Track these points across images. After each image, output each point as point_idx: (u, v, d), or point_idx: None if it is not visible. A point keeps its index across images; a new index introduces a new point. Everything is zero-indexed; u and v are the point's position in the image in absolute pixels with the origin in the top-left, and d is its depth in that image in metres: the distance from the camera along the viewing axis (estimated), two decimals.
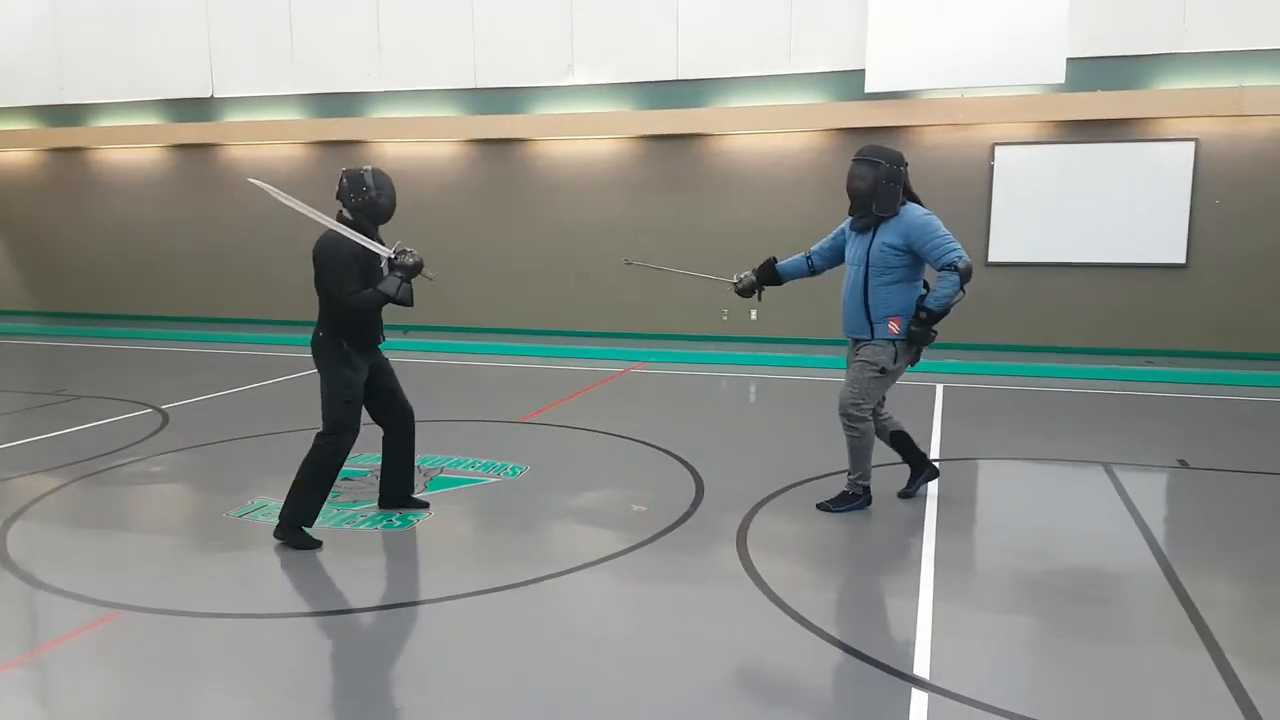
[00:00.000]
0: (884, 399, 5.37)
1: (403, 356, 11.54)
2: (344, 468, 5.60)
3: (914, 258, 5.01)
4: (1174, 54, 10.26)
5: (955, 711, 3.20)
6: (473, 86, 12.53)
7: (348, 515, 5.27)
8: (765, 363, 10.91)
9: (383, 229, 5.07)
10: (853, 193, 5.09)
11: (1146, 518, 5.29)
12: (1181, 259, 10.50)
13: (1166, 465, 6.47)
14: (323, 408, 4.85)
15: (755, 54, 11.48)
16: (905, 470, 5.63)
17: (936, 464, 5.77)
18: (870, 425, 5.21)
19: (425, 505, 5.40)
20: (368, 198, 4.92)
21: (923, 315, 5.00)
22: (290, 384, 9.58)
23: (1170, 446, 6.96)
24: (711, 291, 12.05)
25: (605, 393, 9.29)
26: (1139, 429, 7.69)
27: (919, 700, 3.26)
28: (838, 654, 3.62)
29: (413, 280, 4.79)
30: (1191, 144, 10.32)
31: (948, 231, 4.98)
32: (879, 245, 5.02)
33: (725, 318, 12.08)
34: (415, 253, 4.79)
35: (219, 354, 11.82)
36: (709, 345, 11.82)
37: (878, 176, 4.99)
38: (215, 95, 13.62)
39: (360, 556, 4.71)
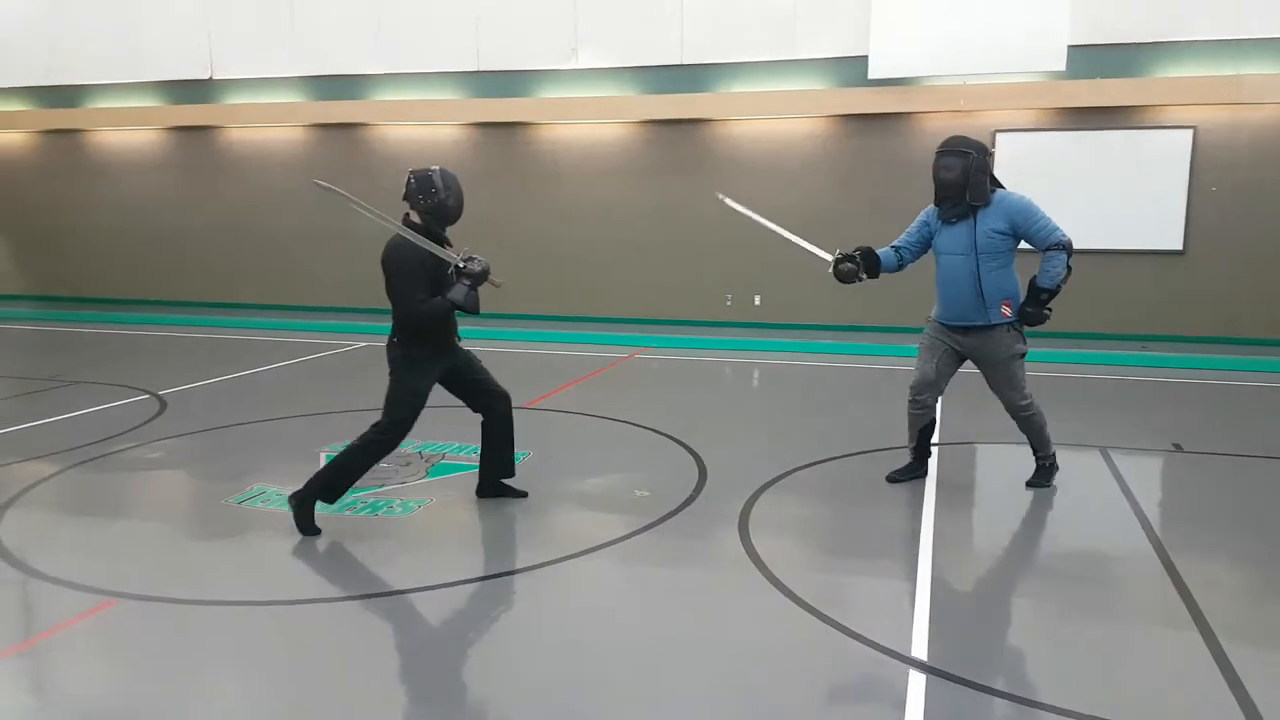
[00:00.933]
0: (930, 386, 5.39)
1: None
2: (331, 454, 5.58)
3: (1015, 241, 5.11)
4: (1173, 42, 10.28)
5: (953, 693, 3.25)
6: (475, 69, 12.50)
7: (348, 501, 5.28)
8: (769, 348, 10.93)
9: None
10: (943, 183, 5.11)
11: (1142, 501, 5.34)
12: (1179, 245, 10.54)
13: (1162, 449, 6.52)
14: (386, 403, 4.85)
15: (760, 39, 11.46)
16: (903, 456, 5.67)
17: (932, 461, 5.83)
18: (1039, 407, 5.40)
19: (524, 494, 5.34)
20: (437, 199, 4.78)
21: (1043, 296, 5.07)
22: (291, 369, 9.60)
23: (1165, 431, 7.00)
24: (715, 276, 12.10)
25: (609, 378, 9.32)
26: (1135, 414, 7.74)
27: (917, 681, 3.31)
28: (837, 636, 3.66)
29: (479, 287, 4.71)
30: (1190, 131, 10.34)
31: (1045, 214, 5.10)
32: (986, 232, 5.06)
33: (729, 303, 12.10)
34: (482, 259, 4.69)
35: (218, 339, 11.82)
36: (713, 330, 11.85)
37: (967, 167, 5.02)
38: (214, 77, 13.57)
39: (360, 543, 4.73)
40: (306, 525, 4.79)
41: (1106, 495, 5.48)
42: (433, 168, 4.89)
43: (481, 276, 4.66)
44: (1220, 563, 4.50)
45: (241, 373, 9.23)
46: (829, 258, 5.44)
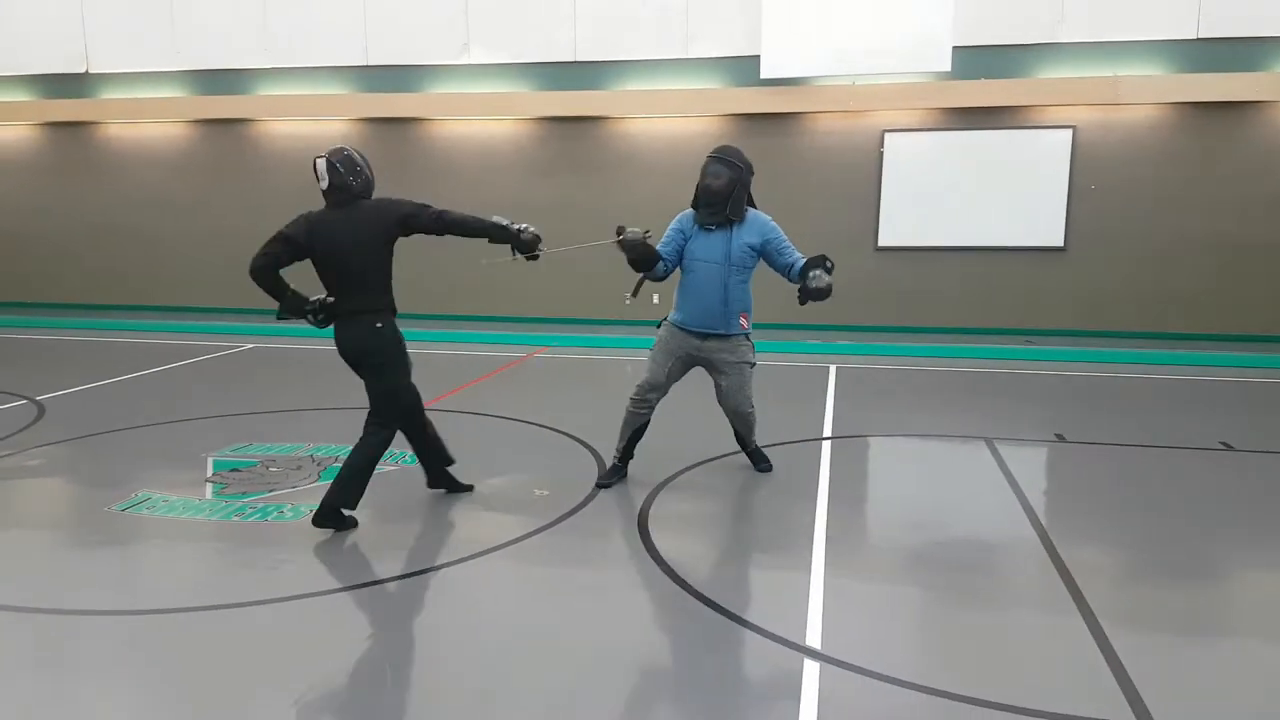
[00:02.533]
0: (658, 389, 5.45)
1: (299, 343, 11.23)
2: (234, 459, 5.45)
3: (758, 258, 5.26)
4: (1053, 44, 10.72)
5: (845, 680, 3.31)
6: (364, 64, 12.23)
7: (236, 507, 5.12)
8: None
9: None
10: (710, 191, 5.16)
11: (1026, 490, 5.54)
12: (1060, 242, 11.00)
13: (1045, 439, 6.78)
14: (385, 401, 4.78)
15: (653, 37, 11.52)
16: (799, 451, 5.77)
17: (825, 454, 6.06)
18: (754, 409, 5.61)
19: (469, 488, 5.40)
20: (365, 178, 4.78)
21: (813, 286, 4.96)
22: (173, 372, 9.22)
23: (1049, 421, 7.29)
24: (615, 275, 12.07)
25: (507, 378, 9.23)
26: (1019, 405, 8.04)
27: (811, 669, 3.36)
28: (733, 627, 3.70)
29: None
30: (1070, 131, 10.81)
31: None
32: (740, 245, 5.16)
33: (628, 301, 12.08)
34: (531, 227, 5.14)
35: (96, 341, 11.28)
36: (612, 329, 11.85)
37: (734, 180, 5.13)
38: (90, 70, 12.96)
39: (249, 549, 4.58)
40: (343, 525, 4.74)
41: (993, 484, 5.68)
42: (344, 148, 4.79)
43: (533, 242, 5.20)
44: (1102, 548, 4.70)
45: (121, 377, 8.83)
46: (634, 232, 5.32)
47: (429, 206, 4.75)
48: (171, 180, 13.12)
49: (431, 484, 5.36)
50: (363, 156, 4.81)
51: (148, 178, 13.17)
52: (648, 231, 5.29)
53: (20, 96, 13.25)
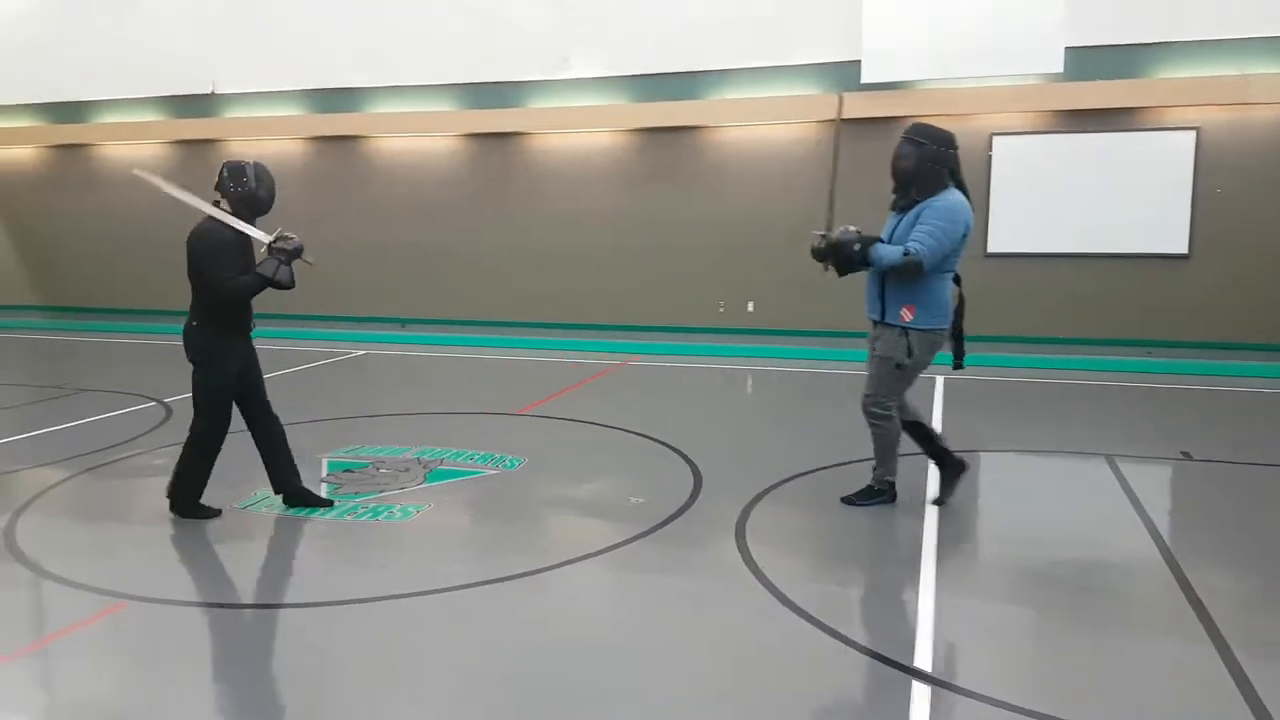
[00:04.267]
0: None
1: (401, 349, 11.55)
2: (346, 460, 5.62)
3: None
4: (1174, 42, 10.22)
5: (956, 704, 3.19)
6: (469, 81, 12.52)
7: (349, 507, 5.27)
8: (761, 355, 10.90)
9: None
10: (896, 172, 4.84)
11: (1149, 509, 5.28)
12: (1184, 249, 10.47)
13: (1169, 457, 6.45)
14: (197, 397, 4.99)
15: (750, 45, 11.46)
16: (921, 462, 5.58)
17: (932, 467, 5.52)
18: (895, 423, 5.03)
19: (330, 503, 5.28)
20: (247, 188, 5.04)
21: (858, 245, 4.73)
22: (293, 377, 9.59)
23: (1173, 438, 6.94)
24: (708, 282, 12.07)
25: (603, 385, 9.29)
26: (1141, 420, 7.68)
27: (920, 693, 3.25)
28: (838, 646, 3.61)
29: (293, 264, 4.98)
30: (1193, 133, 10.29)
31: (951, 228, 4.67)
32: (906, 226, 4.78)
33: (722, 309, 12.07)
34: (295, 238, 4.96)
35: None
36: (705, 337, 11.81)
37: (921, 157, 4.73)
38: (215, 91, 13.62)
39: (361, 548, 4.72)
40: (199, 515, 5.05)
41: (1113, 503, 5.42)
42: (248, 160, 5.18)
43: (295, 253, 4.94)
44: (1231, 572, 4.44)
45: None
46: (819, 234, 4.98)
47: (227, 278, 4.85)
48: (291, 194, 13.57)
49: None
50: (255, 171, 5.16)
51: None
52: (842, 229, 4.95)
53: (151, 116, 14.01)
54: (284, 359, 10.74)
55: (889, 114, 11.08)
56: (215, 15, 13.38)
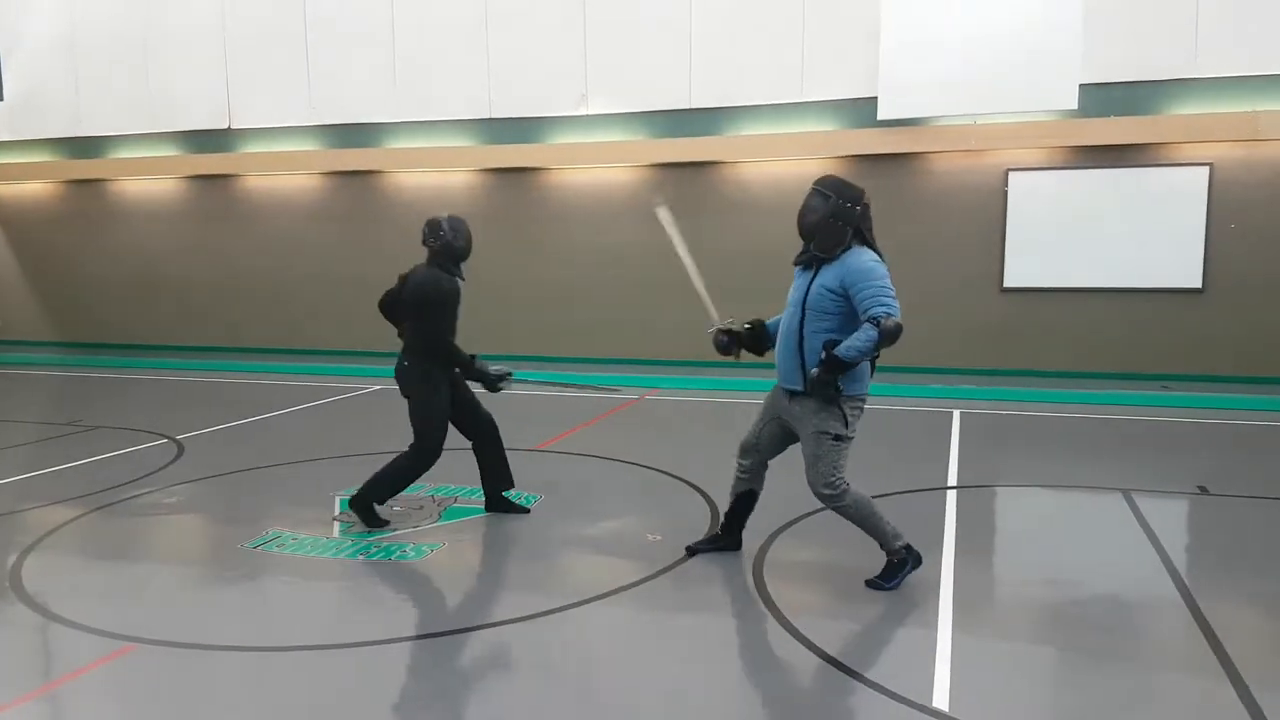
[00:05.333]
0: (750, 450, 4.93)
1: None
2: (345, 498, 5.66)
3: (851, 305, 4.38)
4: (1187, 79, 10.28)
5: None
6: (487, 116, 12.64)
7: (361, 546, 5.26)
8: None
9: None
10: (799, 225, 4.56)
11: (1167, 545, 5.22)
12: (1198, 283, 10.46)
13: (1186, 492, 6.39)
14: (417, 426, 5.45)
15: (768, 82, 11.56)
16: (918, 501, 5.56)
17: (950, 505, 5.34)
18: (855, 494, 4.55)
19: (526, 510, 5.82)
20: (445, 240, 5.48)
21: (823, 356, 4.33)
22: (305, 414, 9.61)
23: (1190, 473, 6.88)
24: (726, 317, 12.05)
25: (619, 420, 9.28)
26: (1157, 455, 7.62)
27: None
28: (855, 685, 3.57)
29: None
30: (1206, 168, 10.31)
31: (890, 285, 4.33)
32: (818, 287, 4.46)
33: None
34: (506, 373, 5.59)
35: (235, 384, 11.87)
36: (723, 371, 11.79)
37: (826, 211, 4.43)
38: (232, 126, 13.79)
39: (373, 587, 4.70)
40: (372, 521, 5.48)
41: (1131, 539, 5.37)
42: (443, 215, 5.66)
43: (494, 381, 5.55)
44: (1251, 610, 4.38)
45: (256, 417, 9.25)
46: (715, 320, 5.12)
47: (448, 335, 5.48)
48: (306, 229, 13.76)
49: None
50: (452, 224, 5.60)
51: (284, 227, 13.86)
52: (729, 321, 5.05)
53: (168, 151, 14.18)
54: (299, 394, 10.77)
55: (905, 150, 11.17)
56: (232, 51, 13.59)
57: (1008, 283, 11.03)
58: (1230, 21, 10.10)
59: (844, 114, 11.37)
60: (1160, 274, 10.56)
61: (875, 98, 10.88)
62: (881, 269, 4.38)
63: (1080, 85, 10.17)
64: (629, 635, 4.17)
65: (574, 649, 3.99)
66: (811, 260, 4.55)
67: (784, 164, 11.75)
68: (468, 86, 12.64)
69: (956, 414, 9.21)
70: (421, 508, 5.99)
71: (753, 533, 5.36)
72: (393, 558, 5.08)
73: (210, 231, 14.27)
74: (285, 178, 13.79)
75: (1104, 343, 10.86)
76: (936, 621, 4.16)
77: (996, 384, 10.59)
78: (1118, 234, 10.61)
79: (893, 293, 4.31)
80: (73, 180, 14.75)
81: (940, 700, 3.43)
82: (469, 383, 5.61)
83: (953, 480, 6.67)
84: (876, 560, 4.82)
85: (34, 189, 15.10)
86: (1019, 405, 9.76)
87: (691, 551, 5.05)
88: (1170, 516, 6.02)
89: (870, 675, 3.64)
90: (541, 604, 4.41)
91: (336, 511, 5.92)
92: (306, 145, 13.54)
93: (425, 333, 5.37)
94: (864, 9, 10.98)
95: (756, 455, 4.91)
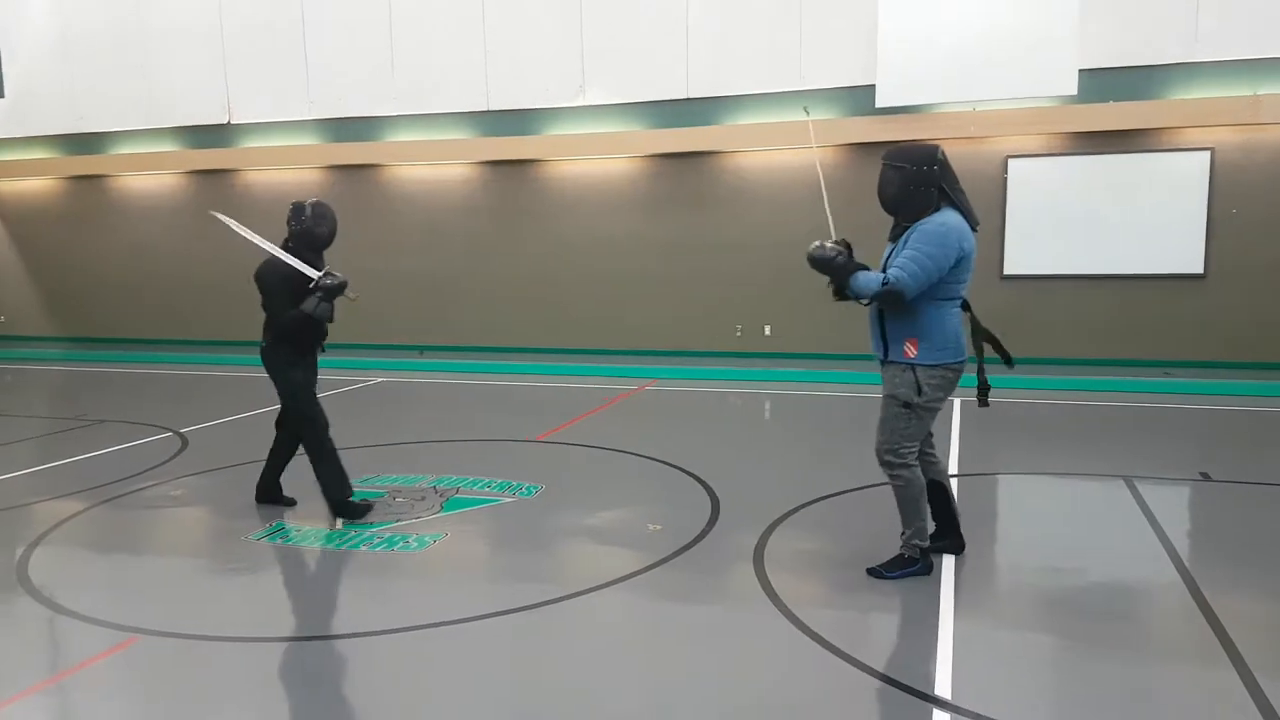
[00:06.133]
0: (931, 436, 4.70)
1: (417, 376, 11.58)
2: (361, 489, 5.68)
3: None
4: (1186, 64, 10.24)
5: None
6: (485, 109, 12.63)
7: (365, 538, 5.28)
8: (779, 378, 10.88)
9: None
10: (881, 200, 4.54)
11: (1169, 532, 5.23)
12: (1199, 269, 10.44)
13: (1188, 478, 6.40)
14: (287, 402, 5.65)
15: (766, 71, 11.53)
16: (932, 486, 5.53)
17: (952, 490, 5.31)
18: (915, 473, 4.51)
19: (292, 502, 5.93)
20: (305, 225, 5.52)
21: (841, 269, 4.44)
22: None
23: (1191, 459, 6.88)
24: (724, 306, 12.09)
25: (619, 410, 9.29)
26: (1159, 442, 7.62)
27: None
28: (857, 674, 3.58)
29: (336, 299, 5.51)
30: (1207, 153, 10.28)
31: (939, 251, 4.24)
32: (896, 254, 4.42)
33: (739, 333, 12.08)
34: (339, 275, 5.46)
35: (238, 376, 11.89)
36: (722, 361, 11.82)
37: (903, 182, 4.38)
38: (231, 121, 13.78)
39: (376, 578, 4.72)
40: (356, 514, 5.60)
41: (1133, 526, 5.37)
42: (309, 199, 5.66)
43: (334, 290, 5.43)
44: (1253, 596, 4.39)
45: (259, 410, 9.26)
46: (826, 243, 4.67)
47: (279, 308, 5.50)
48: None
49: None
50: (315, 209, 5.57)
51: (284, 221, 13.85)
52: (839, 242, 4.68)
53: (168, 147, 14.18)
54: None
55: (903, 138, 11.10)
56: (231, 45, 13.56)
57: (1008, 270, 11.02)
58: (1230, 4, 10.06)
59: (842, 101, 11.34)
60: (1161, 260, 10.54)
61: (873, 85, 10.85)
62: (942, 233, 4.27)
63: (1080, 71, 10.14)
64: (630, 625, 4.18)
65: (575, 639, 4.00)
66: (902, 230, 4.47)
67: (782, 153, 11.73)
68: (465, 79, 12.62)
69: (957, 402, 9.20)
70: (424, 499, 6.01)
71: (751, 524, 5.38)
72: (395, 549, 5.10)
73: (211, 225, 14.21)
74: (284, 172, 13.78)
75: (1105, 329, 10.85)
76: (938, 610, 4.16)
77: (996, 372, 10.55)
78: (1118, 220, 10.59)
79: (929, 262, 4.23)
80: (73, 176, 14.76)
81: (942, 689, 3.44)
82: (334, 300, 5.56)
83: (954, 469, 6.67)
84: (877, 550, 4.83)
85: (35, 185, 15.11)
86: (1020, 392, 9.75)
87: (923, 551, 4.65)
88: (1172, 503, 6.02)
89: (872, 664, 3.65)
90: (543, 594, 4.42)
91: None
92: (305, 139, 13.53)
93: (268, 316, 5.52)
94: None
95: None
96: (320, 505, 5.87)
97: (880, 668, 3.61)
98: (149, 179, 14.49)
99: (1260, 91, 10.01)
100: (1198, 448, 7.35)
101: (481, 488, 6.25)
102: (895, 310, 4.40)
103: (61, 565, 5.03)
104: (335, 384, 11.01)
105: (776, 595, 4.35)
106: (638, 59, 11.97)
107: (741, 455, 7.32)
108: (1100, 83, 10.39)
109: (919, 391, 4.39)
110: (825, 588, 4.59)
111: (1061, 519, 5.77)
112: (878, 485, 6.07)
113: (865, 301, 4.47)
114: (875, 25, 10.73)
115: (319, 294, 5.39)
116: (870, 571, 4.59)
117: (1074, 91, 10.21)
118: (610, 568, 4.77)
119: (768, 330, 12.00)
